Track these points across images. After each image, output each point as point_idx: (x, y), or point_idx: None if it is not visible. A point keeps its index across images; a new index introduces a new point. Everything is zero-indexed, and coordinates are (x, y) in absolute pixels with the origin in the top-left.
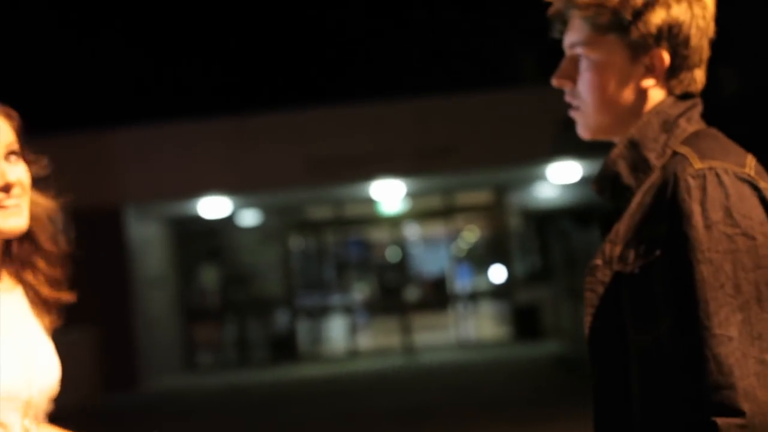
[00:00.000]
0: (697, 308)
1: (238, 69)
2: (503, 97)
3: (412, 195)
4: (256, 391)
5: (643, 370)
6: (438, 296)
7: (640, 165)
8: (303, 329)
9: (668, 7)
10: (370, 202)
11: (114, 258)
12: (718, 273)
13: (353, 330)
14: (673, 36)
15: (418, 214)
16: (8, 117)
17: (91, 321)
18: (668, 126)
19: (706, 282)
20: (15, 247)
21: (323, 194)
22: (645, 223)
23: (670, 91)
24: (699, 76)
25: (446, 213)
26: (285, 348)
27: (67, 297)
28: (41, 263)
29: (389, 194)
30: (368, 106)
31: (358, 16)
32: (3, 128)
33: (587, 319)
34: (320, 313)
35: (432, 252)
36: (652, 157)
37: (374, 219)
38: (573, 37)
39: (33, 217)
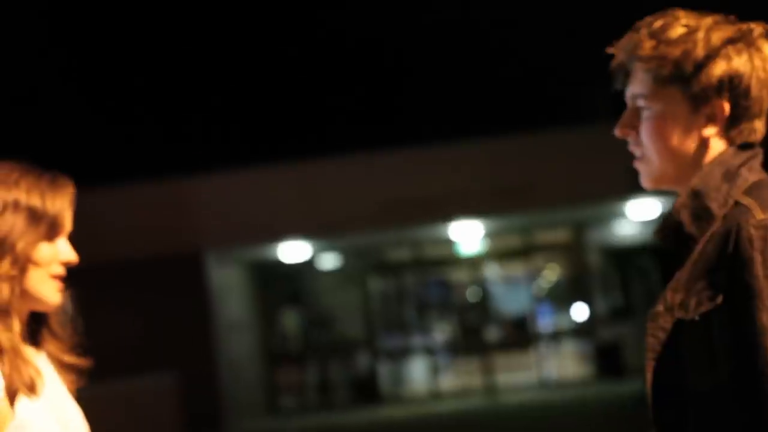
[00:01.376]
0: (757, 355)
1: (315, 113)
2: (579, 134)
3: (490, 235)
4: None
5: (701, 415)
6: (519, 336)
7: (702, 214)
8: (384, 371)
9: (729, 59)
10: (449, 242)
11: (196, 302)
12: None
13: (435, 371)
14: (733, 87)
15: (497, 253)
16: (72, 197)
17: (175, 365)
18: (730, 176)
19: (765, 329)
20: (34, 323)
21: (401, 236)
22: (707, 272)
23: (730, 142)
24: (759, 126)
25: (525, 252)
26: (367, 390)
27: (82, 363)
28: (53, 342)
29: (467, 234)
30: (444, 147)
31: (431, 57)
32: (69, 209)
33: (649, 364)
34: (401, 354)
35: (512, 291)
36: (715, 207)
37: (453, 259)
38: (635, 88)
39: None
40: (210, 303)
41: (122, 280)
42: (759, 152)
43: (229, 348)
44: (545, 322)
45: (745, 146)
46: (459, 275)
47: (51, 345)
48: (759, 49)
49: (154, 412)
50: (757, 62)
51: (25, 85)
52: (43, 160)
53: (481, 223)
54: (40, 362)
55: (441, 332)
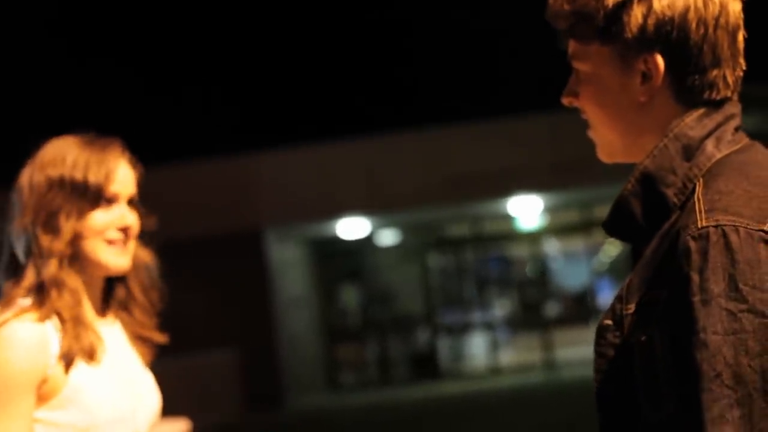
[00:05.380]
0: (691, 400)
1: (374, 90)
2: None
3: (550, 210)
4: (398, 409)
5: None
6: (579, 311)
7: (656, 204)
8: (444, 347)
9: (648, 2)
10: (508, 218)
11: (256, 279)
12: (714, 359)
13: (494, 346)
14: (662, 35)
15: (557, 228)
16: (134, 167)
17: (235, 341)
18: (690, 152)
19: (701, 370)
20: (114, 289)
21: (461, 211)
22: (652, 280)
23: (684, 103)
24: (721, 76)
25: (585, 227)
26: (426, 366)
27: (158, 338)
28: (134, 309)
29: (527, 210)
30: (504, 122)
31: (493, 31)
32: (129, 176)
33: (595, 386)
34: (461, 330)
35: (572, 266)
36: (671, 194)
37: (513, 235)
38: (569, 49)
39: (131, 267)
40: (270, 280)
41: (183, 258)
42: (733, 114)
43: (289, 324)
44: (605, 298)
45: (714, 108)
46: (518, 251)
47: (132, 310)
48: None
49: (215, 388)
50: None
51: (89, 66)
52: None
53: (541, 198)
54: (111, 332)
55: (500, 308)
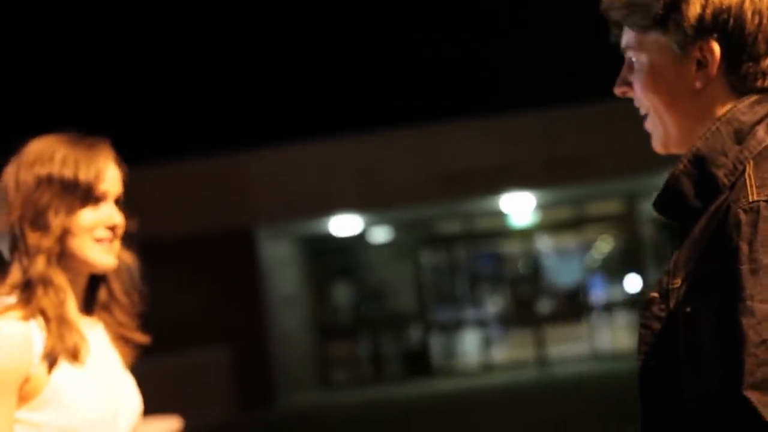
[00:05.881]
0: (735, 365)
1: (366, 87)
2: (631, 105)
3: (542, 206)
4: (390, 406)
5: (693, 421)
6: (572, 308)
7: (707, 184)
8: (436, 344)
9: None
10: (501, 215)
11: (248, 277)
12: (760, 326)
13: (486, 343)
14: (719, 24)
15: (549, 225)
16: (120, 167)
17: (227, 339)
18: (741, 136)
19: (746, 336)
20: (96, 290)
21: (453, 208)
22: (703, 255)
23: (737, 91)
24: None
25: (577, 224)
26: (419, 363)
27: (140, 338)
28: (115, 309)
29: (519, 207)
30: (496, 119)
31: (485, 29)
32: (117, 176)
33: (639, 358)
34: (453, 327)
35: (564, 263)
36: (721, 175)
37: (505, 232)
38: (623, 39)
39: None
40: (262, 277)
41: (175, 255)
42: None
43: (281, 322)
44: (598, 294)
45: (766, 96)
46: (511, 248)
47: (114, 311)
48: None
49: (208, 385)
50: None
51: (80, 63)
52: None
53: (533, 195)
54: (94, 333)
55: (493, 305)
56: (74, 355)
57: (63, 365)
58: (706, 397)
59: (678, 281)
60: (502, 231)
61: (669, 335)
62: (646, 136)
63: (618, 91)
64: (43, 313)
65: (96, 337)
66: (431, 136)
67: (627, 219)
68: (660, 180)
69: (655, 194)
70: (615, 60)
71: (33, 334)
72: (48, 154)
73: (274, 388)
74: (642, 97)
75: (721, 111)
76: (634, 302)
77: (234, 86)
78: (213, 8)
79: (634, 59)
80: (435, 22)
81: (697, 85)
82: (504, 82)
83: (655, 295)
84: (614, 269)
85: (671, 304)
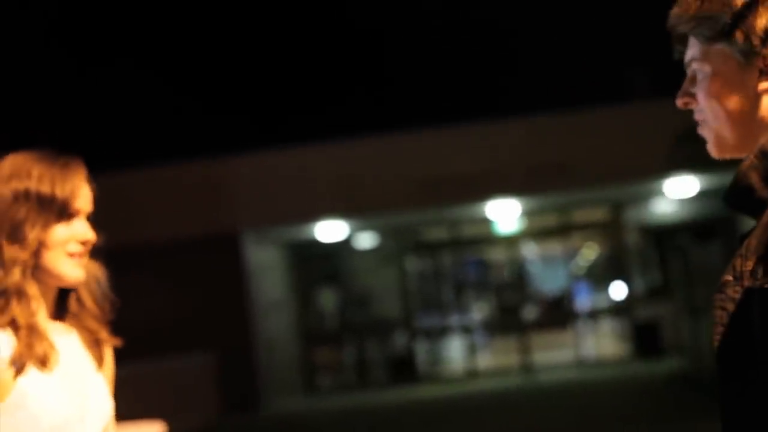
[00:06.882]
0: None
1: (353, 93)
2: (617, 113)
3: (527, 213)
4: (375, 412)
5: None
6: (557, 315)
7: None
8: (421, 350)
9: None
10: (486, 221)
11: (233, 283)
12: None
13: (472, 350)
14: None
15: (535, 232)
16: (90, 184)
17: (212, 344)
18: None
19: None
20: (65, 300)
21: (438, 215)
22: None
23: None
24: None
25: (563, 231)
26: (404, 369)
27: (113, 341)
28: (86, 318)
29: (505, 214)
30: (481, 126)
31: (469, 37)
32: (89, 194)
33: (716, 338)
34: (438, 333)
35: (550, 270)
36: None
37: (490, 239)
38: (689, 53)
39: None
40: (247, 283)
41: (160, 261)
42: None
43: (266, 328)
44: (583, 301)
45: None
46: (496, 254)
47: (84, 320)
48: None
49: (192, 391)
50: None
51: (59, 69)
52: (83, 143)
53: (519, 201)
54: (66, 340)
55: (478, 311)
56: (43, 362)
57: (31, 371)
58: None
59: (750, 263)
60: (487, 238)
61: (744, 313)
62: (631, 144)
63: (680, 102)
64: (13, 321)
65: (68, 343)
66: (417, 142)
67: (612, 226)
68: (643, 188)
69: (724, 190)
70: (600, 68)
71: (1, 341)
72: (25, 171)
73: (259, 394)
74: (705, 105)
75: None
76: (618, 309)
77: (220, 91)
78: (198, 15)
79: (698, 70)
80: (420, 29)
81: (760, 91)
82: (489, 89)
83: (729, 278)
84: (599, 276)
85: (745, 285)
